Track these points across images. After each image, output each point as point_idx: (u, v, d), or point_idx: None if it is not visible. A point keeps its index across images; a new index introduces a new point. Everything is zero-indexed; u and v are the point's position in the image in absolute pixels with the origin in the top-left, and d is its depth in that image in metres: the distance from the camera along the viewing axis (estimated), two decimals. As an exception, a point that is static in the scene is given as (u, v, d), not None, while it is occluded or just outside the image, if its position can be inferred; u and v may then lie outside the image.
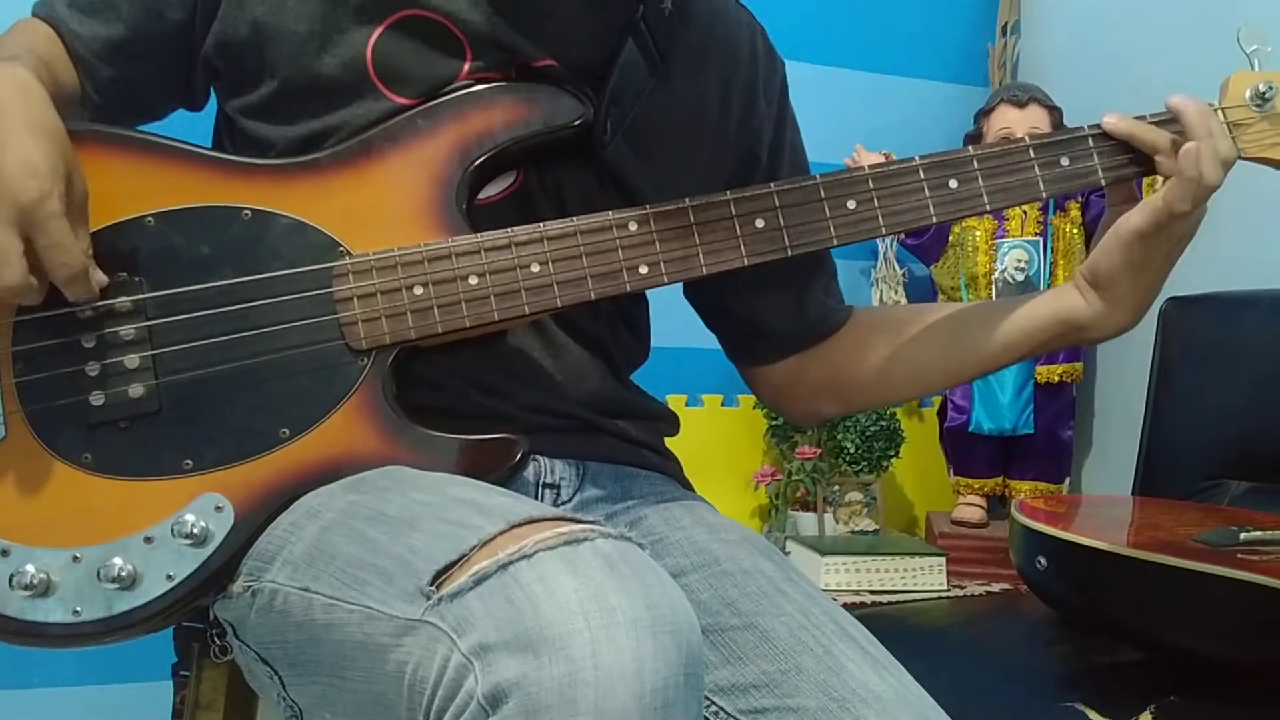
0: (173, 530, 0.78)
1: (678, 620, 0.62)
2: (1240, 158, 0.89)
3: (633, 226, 0.85)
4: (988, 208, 0.88)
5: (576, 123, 0.87)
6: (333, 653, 0.72)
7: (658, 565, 0.65)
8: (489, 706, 0.58)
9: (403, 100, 0.86)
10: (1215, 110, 0.89)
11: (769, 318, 1.04)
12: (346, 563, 0.71)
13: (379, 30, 0.87)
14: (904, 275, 2.14)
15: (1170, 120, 0.88)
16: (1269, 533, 1.17)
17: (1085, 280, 0.91)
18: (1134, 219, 0.86)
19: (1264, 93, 0.88)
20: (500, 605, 0.60)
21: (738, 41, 1.01)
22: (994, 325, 0.95)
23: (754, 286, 1.02)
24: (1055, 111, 1.96)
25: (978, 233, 2.01)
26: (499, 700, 0.58)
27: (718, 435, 2.10)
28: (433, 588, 0.64)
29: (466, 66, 0.87)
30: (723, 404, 2.12)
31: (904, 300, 2.14)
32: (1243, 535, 1.16)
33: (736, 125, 1.00)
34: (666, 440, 1.03)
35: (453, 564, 0.64)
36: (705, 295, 1.07)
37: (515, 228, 0.84)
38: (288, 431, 0.81)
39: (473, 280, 0.82)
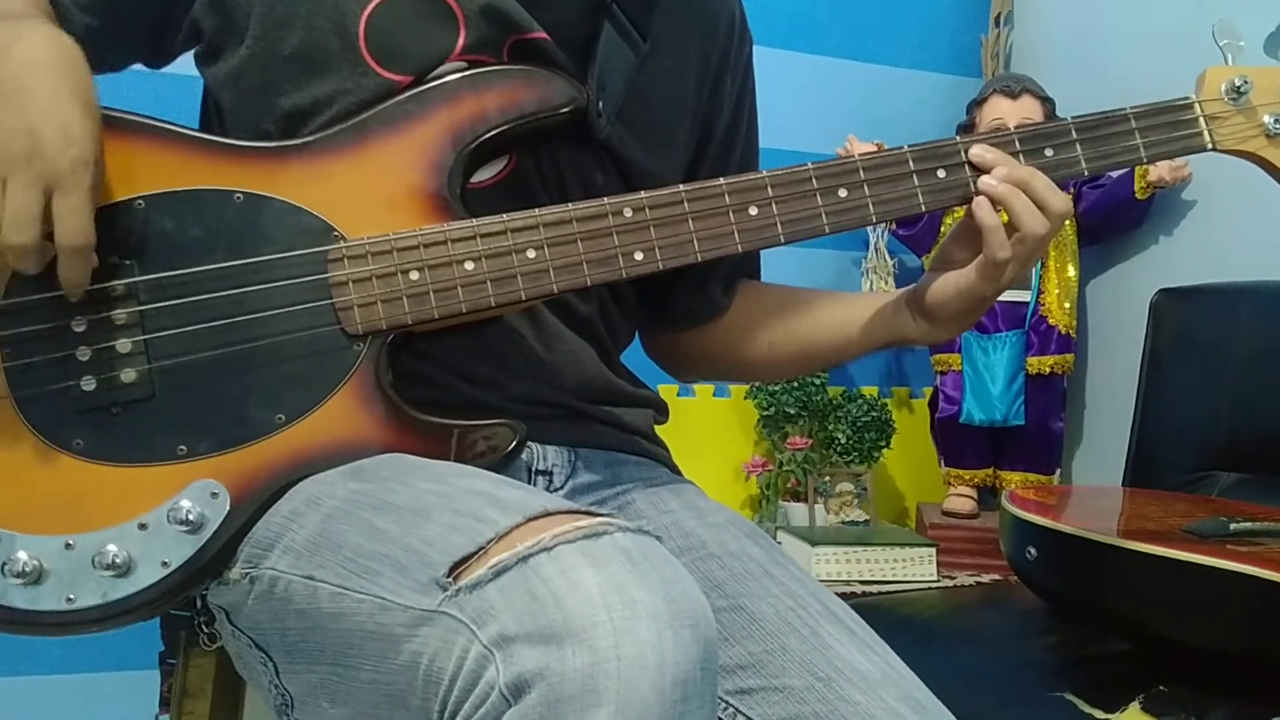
0: (168, 517, 0.77)
1: (696, 614, 0.62)
2: (1216, 150, 0.91)
3: (628, 213, 0.84)
4: (974, 196, 0.89)
5: (571, 106, 0.86)
6: (338, 642, 0.71)
7: (675, 560, 0.65)
8: (511, 697, 0.58)
9: (394, 77, 0.85)
10: (1194, 102, 0.90)
11: (679, 294, 1.05)
12: (354, 552, 0.70)
13: (375, 2, 0.86)
14: (895, 265, 2.14)
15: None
16: (1259, 523, 1.17)
17: (914, 308, 0.94)
18: (972, 279, 0.88)
19: (1239, 87, 0.90)
20: (522, 597, 0.60)
21: (718, 15, 1.01)
22: (841, 329, 1.01)
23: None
24: (1048, 102, 1.97)
25: (969, 224, 2.01)
26: (521, 690, 0.58)
27: (709, 425, 2.11)
28: (449, 579, 0.63)
29: (460, 43, 0.86)
30: (714, 394, 2.12)
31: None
32: (1232, 526, 1.17)
33: (707, 98, 1.01)
34: (658, 429, 1.03)
35: (470, 556, 0.64)
36: None
37: (510, 214, 0.83)
38: (283, 417, 0.80)
39: (469, 265, 0.82)
